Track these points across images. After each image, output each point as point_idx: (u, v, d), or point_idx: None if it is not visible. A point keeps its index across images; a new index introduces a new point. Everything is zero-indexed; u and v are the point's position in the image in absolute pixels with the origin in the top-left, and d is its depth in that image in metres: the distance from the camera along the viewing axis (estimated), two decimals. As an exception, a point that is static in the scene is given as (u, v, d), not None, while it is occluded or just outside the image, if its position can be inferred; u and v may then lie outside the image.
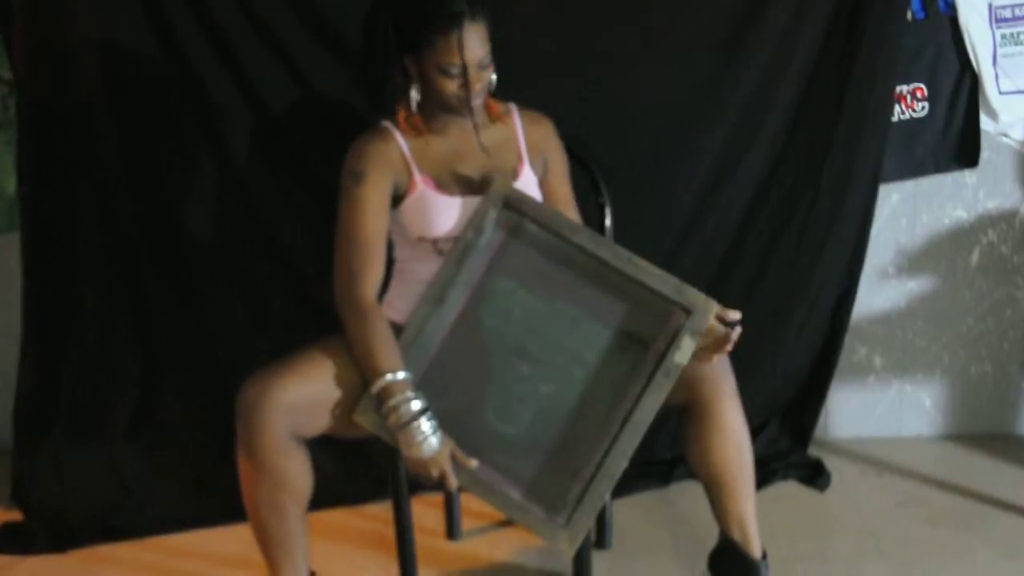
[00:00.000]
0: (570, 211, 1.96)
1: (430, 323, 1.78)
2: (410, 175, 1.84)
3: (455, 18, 1.70)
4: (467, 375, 1.79)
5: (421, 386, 1.74)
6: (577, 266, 1.79)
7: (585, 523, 1.71)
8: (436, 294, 1.79)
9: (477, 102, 1.80)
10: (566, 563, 1.95)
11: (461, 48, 1.71)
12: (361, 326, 1.76)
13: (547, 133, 1.96)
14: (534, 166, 1.92)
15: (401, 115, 1.83)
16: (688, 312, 1.71)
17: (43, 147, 2.30)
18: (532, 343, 1.78)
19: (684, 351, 1.70)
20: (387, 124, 1.86)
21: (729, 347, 1.74)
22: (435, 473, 1.71)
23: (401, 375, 1.71)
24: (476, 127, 1.84)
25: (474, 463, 1.73)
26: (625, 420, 1.71)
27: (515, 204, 1.81)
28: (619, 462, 1.71)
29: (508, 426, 1.76)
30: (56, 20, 2.21)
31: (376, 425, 1.73)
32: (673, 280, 1.74)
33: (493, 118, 1.88)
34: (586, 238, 1.79)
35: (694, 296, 1.72)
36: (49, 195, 2.32)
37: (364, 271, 1.80)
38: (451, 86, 1.76)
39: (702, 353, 1.74)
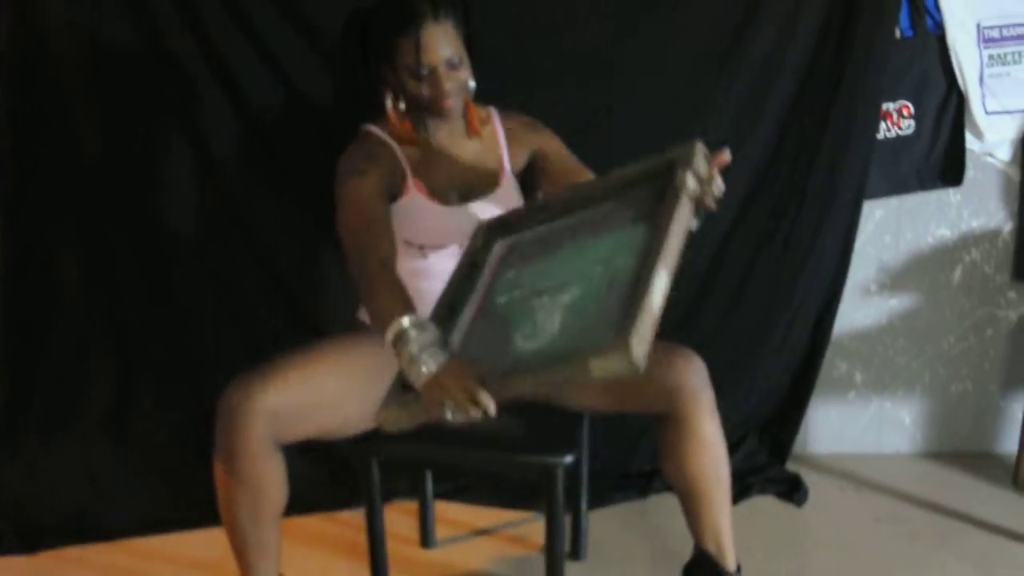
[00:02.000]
0: (583, 173, 1.91)
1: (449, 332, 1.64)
2: (404, 178, 1.84)
3: (415, 19, 1.71)
4: (492, 340, 1.62)
5: None
6: (569, 216, 1.74)
7: (645, 334, 1.40)
8: (444, 312, 1.67)
9: (450, 102, 1.79)
10: (540, 572, 1.93)
11: (424, 48, 1.72)
12: (372, 284, 1.60)
13: (528, 123, 1.96)
14: (516, 165, 1.92)
15: (391, 119, 1.82)
16: (679, 161, 1.61)
17: (22, 149, 2.28)
18: (546, 283, 1.66)
19: (689, 184, 1.57)
20: (376, 130, 1.86)
21: (717, 193, 1.62)
22: (464, 399, 1.43)
23: (415, 317, 1.52)
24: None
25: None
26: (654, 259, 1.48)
27: (500, 226, 1.81)
28: (661, 287, 1.46)
29: (538, 340, 1.56)
30: (38, 21, 2.19)
31: (398, 419, 1.52)
32: (650, 158, 1.67)
33: (471, 133, 1.88)
34: (564, 195, 1.76)
35: (676, 151, 1.64)
36: (27, 197, 2.30)
37: (374, 245, 1.67)
38: (422, 88, 1.76)
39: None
